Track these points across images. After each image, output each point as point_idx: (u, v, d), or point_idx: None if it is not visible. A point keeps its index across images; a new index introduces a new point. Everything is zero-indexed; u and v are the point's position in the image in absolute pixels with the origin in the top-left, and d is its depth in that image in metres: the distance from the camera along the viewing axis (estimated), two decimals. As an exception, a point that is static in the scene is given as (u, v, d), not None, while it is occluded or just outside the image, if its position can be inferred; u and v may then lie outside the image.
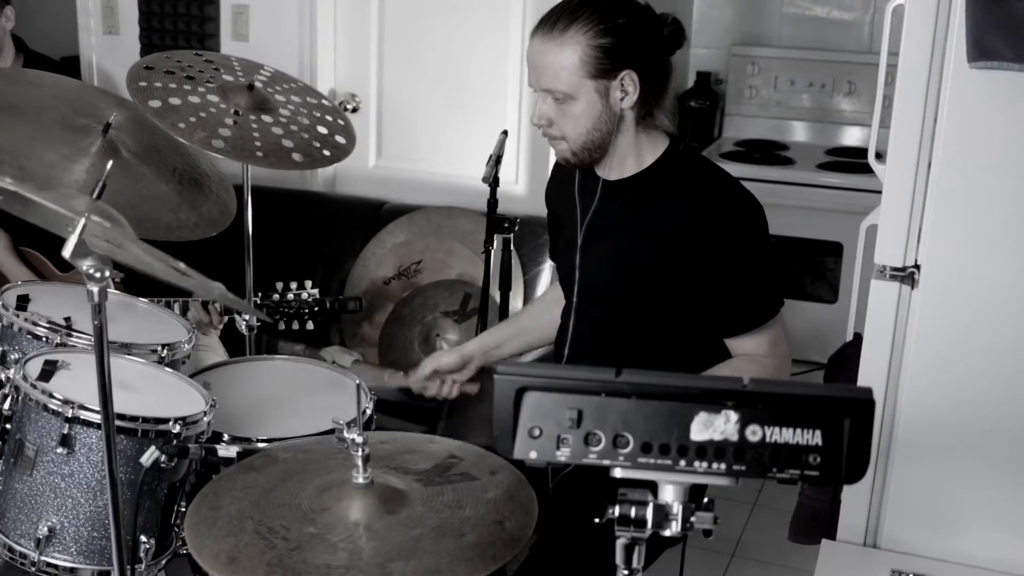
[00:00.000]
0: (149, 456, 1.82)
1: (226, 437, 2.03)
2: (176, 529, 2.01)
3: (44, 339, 2.12)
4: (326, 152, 2.63)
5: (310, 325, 2.72)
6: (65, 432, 1.87)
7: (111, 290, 2.05)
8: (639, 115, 1.98)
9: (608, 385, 1.10)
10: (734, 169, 4.01)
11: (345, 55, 3.75)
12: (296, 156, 2.56)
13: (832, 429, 1.07)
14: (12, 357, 2.11)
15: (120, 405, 1.75)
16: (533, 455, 1.11)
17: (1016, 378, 1.81)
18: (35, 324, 2.13)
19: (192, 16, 3.80)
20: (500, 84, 3.53)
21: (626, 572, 1.16)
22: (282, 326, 2.67)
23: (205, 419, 1.97)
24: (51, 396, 1.89)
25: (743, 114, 4.54)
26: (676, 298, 2.01)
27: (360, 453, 1.59)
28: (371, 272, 3.43)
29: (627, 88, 1.93)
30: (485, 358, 2.30)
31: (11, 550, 1.93)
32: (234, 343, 2.89)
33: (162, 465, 1.86)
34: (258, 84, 2.66)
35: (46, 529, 1.89)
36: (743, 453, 1.08)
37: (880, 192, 1.88)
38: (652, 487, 1.14)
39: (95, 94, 2.64)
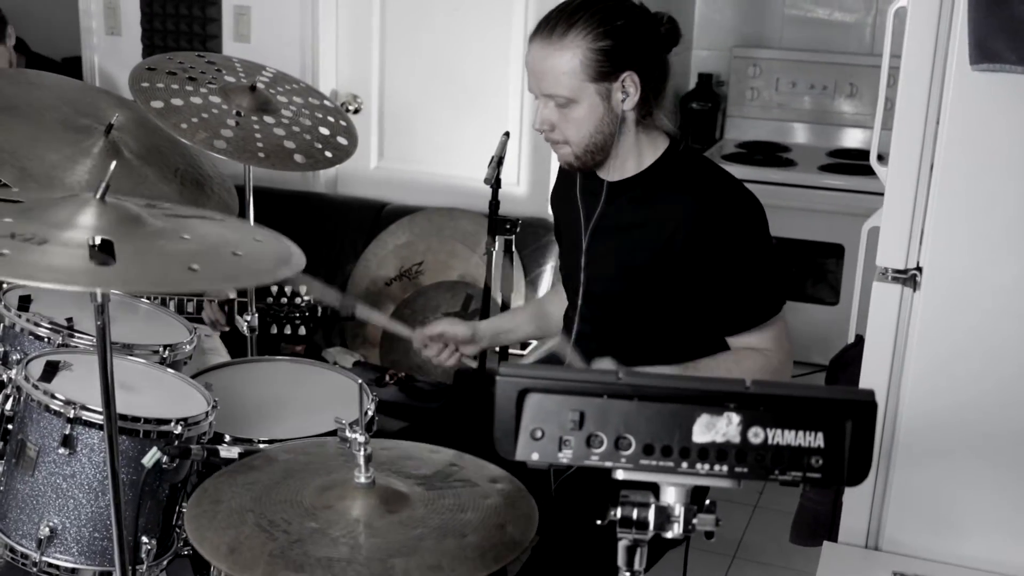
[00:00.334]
0: (151, 457, 1.82)
1: (228, 438, 2.03)
2: (178, 530, 2.01)
3: (46, 340, 2.12)
4: (328, 153, 2.63)
5: (303, 331, 2.72)
6: (67, 433, 1.88)
7: (113, 291, 2.05)
8: (640, 115, 1.98)
9: (610, 387, 1.10)
10: (736, 171, 3.99)
11: (347, 56, 3.75)
12: (298, 157, 2.56)
13: (834, 431, 1.07)
14: (14, 358, 2.11)
15: (122, 406, 1.75)
16: (535, 457, 1.11)
17: (1018, 380, 1.81)
18: (37, 325, 2.13)
19: (194, 17, 3.81)
20: (502, 85, 3.53)
21: (628, 574, 1.16)
22: (275, 330, 2.67)
23: (207, 420, 1.97)
24: (53, 397, 1.89)
25: (744, 116, 4.54)
26: (678, 297, 2.01)
27: (362, 453, 1.59)
28: (372, 273, 3.44)
29: (628, 89, 1.93)
30: (495, 339, 2.31)
31: (12, 550, 1.93)
32: (236, 344, 2.89)
33: (164, 466, 1.86)
34: (260, 85, 2.66)
35: (47, 529, 1.90)
36: (745, 455, 1.08)
37: (881, 194, 1.88)
38: (654, 489, 1.14)
39: (97, 95, 2.64)
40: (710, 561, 3.11)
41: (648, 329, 2.06)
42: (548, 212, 2.39)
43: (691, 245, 1.95)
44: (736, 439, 1.08)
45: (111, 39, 3.97)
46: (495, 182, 2.65)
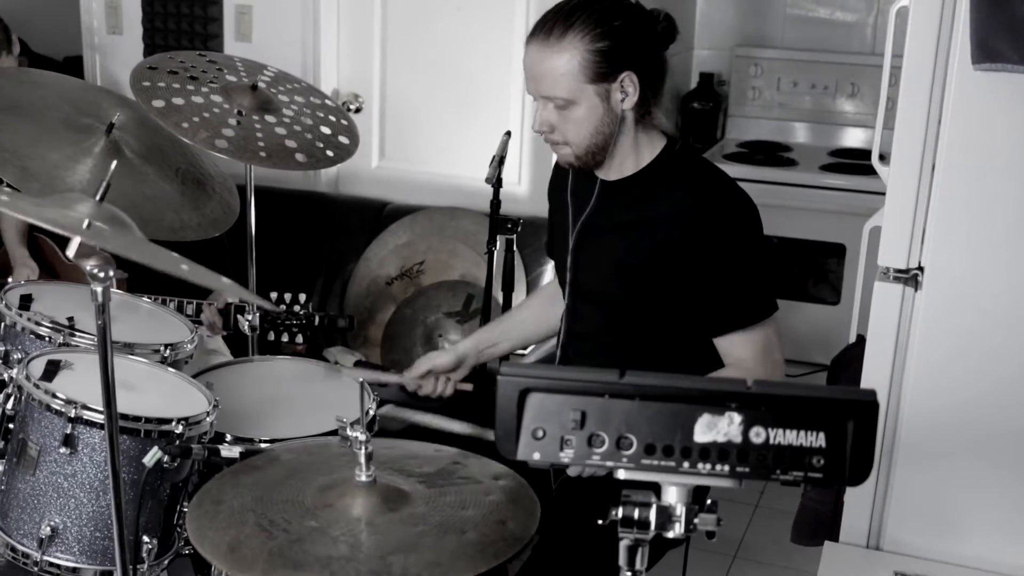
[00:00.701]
0: (152, 456, 1.82)
1: (229, 437, 2.03)
2: (179, 529, 2.01)
3: (47, 339, 2.13)
4: (329, 152, 2.63)
5: (300, 339, 2.72)
6: (68, 432, 1.88)
7: (114, 290, 2.05)
8: (638, 115, 1.97)
9: (612, 386, 1.10)
10: (737, 170, 4.05)
11: (348, 55, 3.75)
12: (299, 156, 2.56)
13: (836, 431, 1.07)
14: (15, 357, 2.11)
15: (123, 405, 1.75)
16: (536, 456, 1.11)
17: (1019, 380, 1.81)
18: (38, 324, 2.13)
19: (195, 16, 3.80)
20: (503, 85, 3.53)
21: (629, 574, 1.16)
22: (271, 337, 2.67)
23: (208, 419, 1.97)
24: (54, 396, 1.89)
25: (746, 115, 4.54)
26: (673, 297, 2.00)
27: (363, 451, 1.59)
28: (374, 272, 3.43)
29: (627, 89, 1.92)
30: (479, 357, 2.28)
31: (14, 550, 1.93)
32: (237, 344, 2.89)
33: (165, 465, 1.86)
34: (261, 84, 2.66)
35: (49, 529, 1.90)
36: (747, 455, 1.08)
37: (883, 194, 1.88)
38: (655, 488, 1.14)
39: (98, 94, 2.64)
40: (711, 561, 3.11)
41: (646, 330, 2.06)
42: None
43: (685, 242, 1.94)
44: (738, 439, 1.08)
45: (112, 38, 3.97)
46: (496, 181, 2.65)
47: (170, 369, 2.15)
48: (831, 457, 1.07)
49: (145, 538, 1.93)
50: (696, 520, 1.14)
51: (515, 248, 2.72)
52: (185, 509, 2.00)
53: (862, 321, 2.20)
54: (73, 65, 4.00)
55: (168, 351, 2.18)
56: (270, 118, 2.59)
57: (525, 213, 3.09)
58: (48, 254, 3.27)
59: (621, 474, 1.11)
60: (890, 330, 1.88)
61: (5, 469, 1.98)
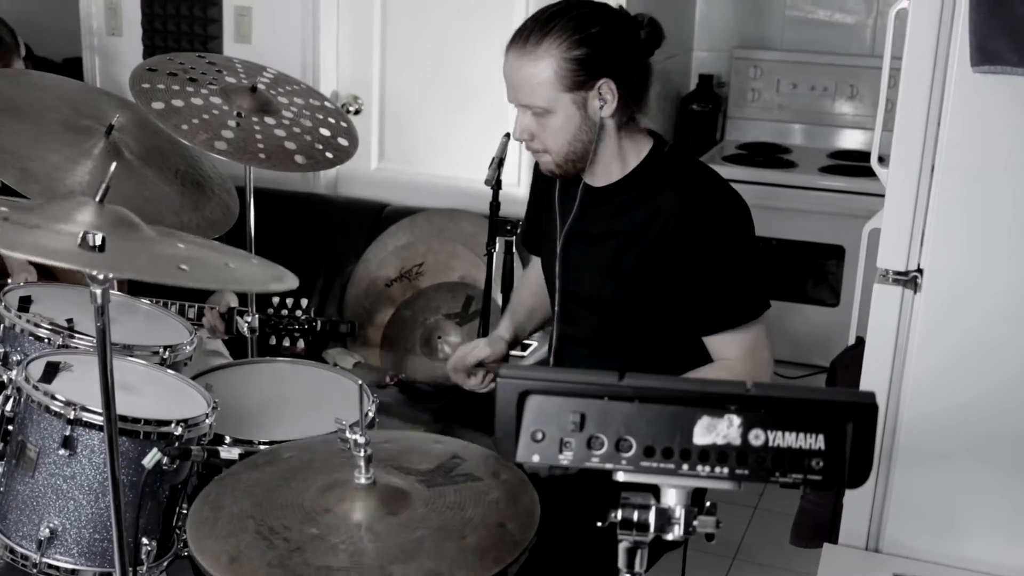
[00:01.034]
0: (151, 458, 1.82)
1: (228, 439, 2.03)
2: (178, 531, 2.01)
3: (46, 341, 2.12)
4: (328, 154, 2.63)
5: (300, 344, 2.72)
6: (67, 434, 1.87)
7: (113, 291, 2.05)
8: (620, 121, 1.95)
9: (611, 389, 1.10)
10: (736, 172, 4.06)
11: (348, 57, 3.75)
12: (298, 158, 2.56)
13: (835, 433, 1.07)
14: (14, 358, 2.11)
15: (122, 407, 1.75)
16: (536, 459, 1.11)
17: (1019, 382, 1.81)
18: (37, 326, 2.13)
19: (195, 18, 3.81)
20: (502, 87, 3.51)
21: (628, 576, 1.16)
22: (273, 341, 2.67)
23: (207, 421, 1.97)
24: (53, 398, 1.89)
25: (745, 117, 4.54)
26: (666, 298, 1.99)
27: (362, 454, 1.59)
28: (373, 274, 3.43)
29: (605, 97, 1.90)
30: (519, 339, 2.26)
31: (12, 552, 1.93)
32: (236, 345, 2.89)
33: (164, 467, 1.86)
34: (261, 86, 2.66)
35: (47, 531, 1.89)
36: (746, 457, 1.07)
37: (881, 195, 1.88)
38: (654, 491, 1.14)
39: (98, 96, 2.64)
40: (710, 563, 3.11)
41: (642, 333, 2.05)
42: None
43: (676, 241, 1.93)
44: (737, 441, 1.08)
45: (112, 40, 3.97)
46: (496, 183, 2.65)
47: (169, 371, 2.15)
48: (830, 459, 1.07)
49: (144, 540, 1.93)
50: (695, 522, 1.14)
51: (514, 250, 2.71)
52: (184, 511, 2.00)
53: (861, 323, 2.20)
54: (72, 67, 4.00)
55: (167, 353, 2.18)
56: (269, 120, 2.59)
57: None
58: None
59: (620, 476, 1.11)
60: (889, 332, 1.88)
61: (4, 471, 1.98)
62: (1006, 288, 1.79)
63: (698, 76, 4.52)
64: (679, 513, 1.13)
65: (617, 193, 2.00)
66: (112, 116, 2.39)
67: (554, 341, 2.15)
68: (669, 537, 1.14)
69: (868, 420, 1.08)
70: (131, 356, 2.13)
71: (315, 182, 3.82)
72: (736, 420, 1.08)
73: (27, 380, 1.93)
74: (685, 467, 1.08)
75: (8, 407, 2.00)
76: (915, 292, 1.85)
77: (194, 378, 2.17)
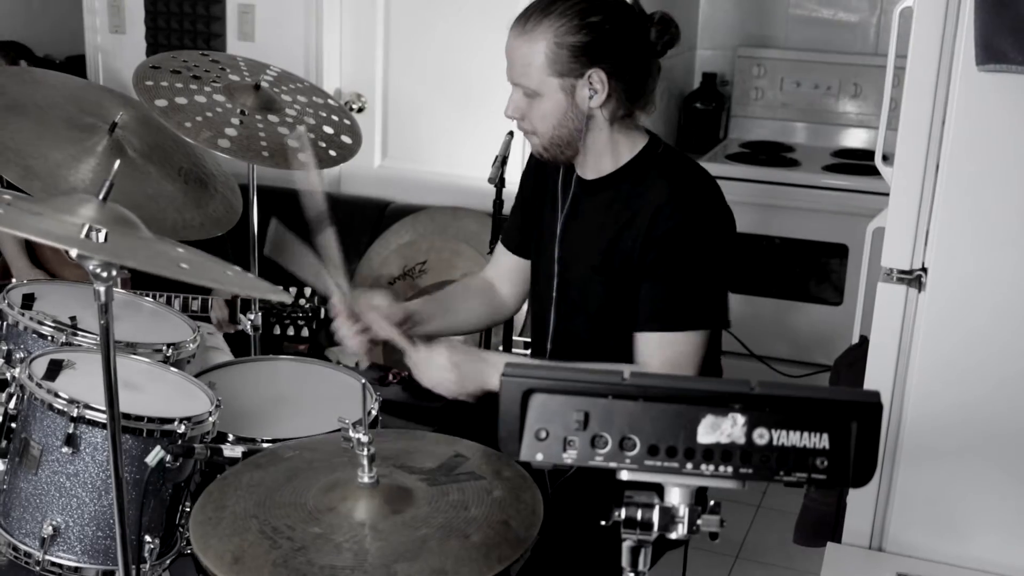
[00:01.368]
0: (154, 456, 1.82)
1: (231, 437, 2.03)
2: (181, 529, 2.01)
3: (50, 338, 2.13)
4: (332, 152, 2.63)
5: (305, 332, 2.72)
6: (70, 431, 1.87)
7: (116, 289, 2.05)
8: (614, 114, 1.93)
9: (615, 387, 1.10)
10: (739, 171, 4.05)
11: (351, 55, 3.75)
12: (302, 156, 2.55)
13: (839, 432, 1.07)
14: (18, 356, 2.11)
15: (125, 405, 1.75)
16: (539, 457, 1.11)
17: (1023, 381, 1.80)
18: (41, 323, 2.13)
19: (198, 16, 3.81)
20: (505, 84, 3.51)
21: (632, 575, 1.16)
22: (278, 331, 2.67)
23: (210, 419, 1.97)
24: (56, 395, 1.89)
25: (749, 116, 4.54)
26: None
27: (366, 453, 1.59)
28: (376, 272, 3.43)
29: (595, 87, 1.88)
30: (414, 322, 2.12)
31: (16, 549, 1.93)
32: (239, 343, 2.89)
33: (167, 465, 1.86)
34: (264, 84, 2.66)
35: (51, 528, 1.89)
36: (750, 456, 1.07)
37: (886, 194, 1.88)
38: (657, 489, 1.14)
39: (101, 93, 2.64)
40: (713, 561, 3.11)
41: (629, 331, 2.02)
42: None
43: (648, 232, 1.89)
44: (741, 440, 1.07)
45: (115, 37, 3.97)
46: (499, 181, 2.65)
47: (172, 368, 2.15)
48: (835, 458, 1.07)
49: (147, 538, 1.93)
50: (699, 521, 1.14)
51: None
52: (187, 509, 2.00)
53: (865, 322, 2.20)
54: (76, 64, 4.00)
55: (170, 350, 2.18)
56: (273, 117, 2.59)
57: (528, 213, 3.08)
58: (49, 255, 3.27)
59: (624, 475, 1.10)
60: (893, 331, 1.88)
61: (7, 468, 1.98)
62: (1011, 287, 1.78)
63: (701, 74, 4.52)
64: (683, 512, 1.13)
65: (606, 186, 1.99)
66: (115, 114, 2.39)
67: (549, 343, 2.13)
68: (673, 536, 1.14)
69: (872, 419, 1.07)
70: (134, 354, 2.13)
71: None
72: (740, 419, 1.07)
73: (30, 378, 1.93)
74: (689, 466, 1.08)
75: (11, 405, 2.00)
76: (919, 291, 1.85)
77: (197, 376, 2.17)
